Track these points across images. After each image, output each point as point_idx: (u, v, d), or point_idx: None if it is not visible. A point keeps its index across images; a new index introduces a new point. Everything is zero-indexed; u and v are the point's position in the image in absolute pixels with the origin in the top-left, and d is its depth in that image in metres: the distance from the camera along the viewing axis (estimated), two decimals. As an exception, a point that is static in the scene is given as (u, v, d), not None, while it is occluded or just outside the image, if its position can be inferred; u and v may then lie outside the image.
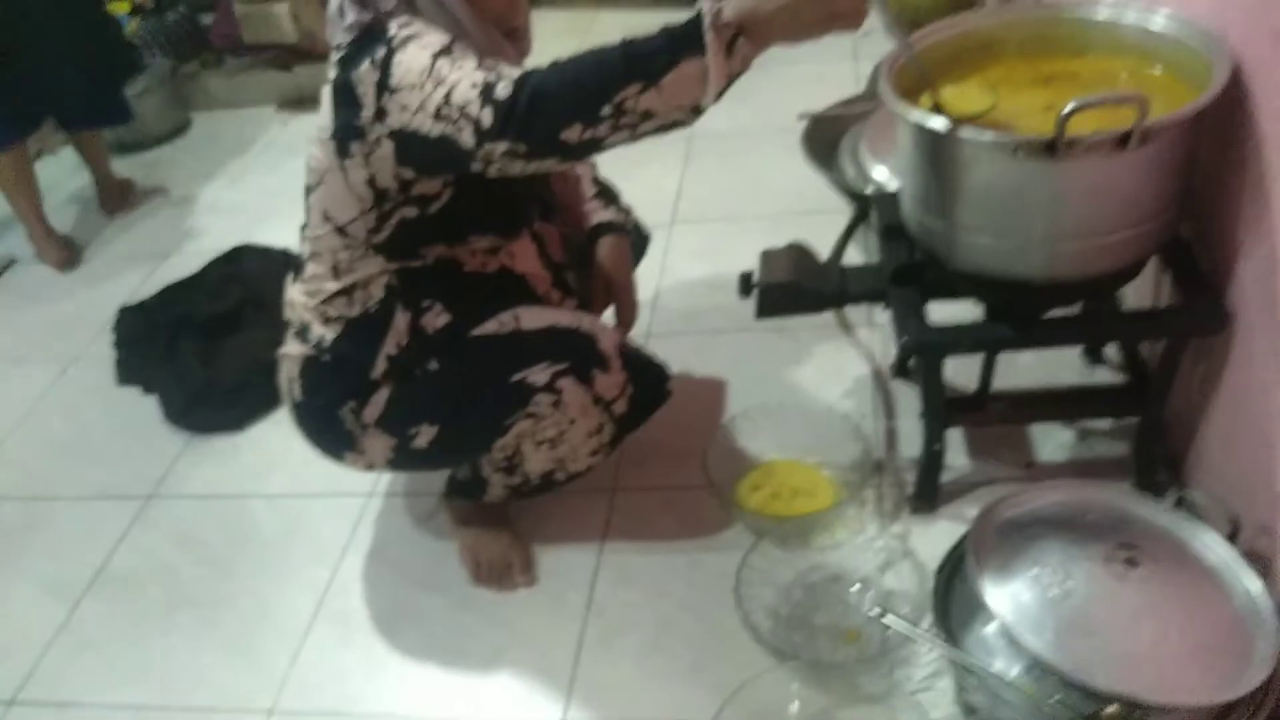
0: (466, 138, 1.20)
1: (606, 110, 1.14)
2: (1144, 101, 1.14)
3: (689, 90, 1.13)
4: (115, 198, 3.11)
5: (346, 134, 1.34)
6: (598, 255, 1.70)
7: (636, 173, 1.91)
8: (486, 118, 1.17)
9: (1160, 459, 1.58)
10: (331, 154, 1.38)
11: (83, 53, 2.76)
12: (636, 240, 1.82)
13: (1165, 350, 1.44)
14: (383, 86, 1.26)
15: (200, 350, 2.22)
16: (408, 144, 1.28)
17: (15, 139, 2.70)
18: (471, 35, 1.35)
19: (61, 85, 2.75)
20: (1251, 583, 1.18)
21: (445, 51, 1.24)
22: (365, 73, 1.28)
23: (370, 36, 1.30)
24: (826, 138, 2.26)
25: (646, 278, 1.96)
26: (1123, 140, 1.17)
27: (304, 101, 3.50)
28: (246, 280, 2.38)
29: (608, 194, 1.78)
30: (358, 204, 1.40)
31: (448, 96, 1.20)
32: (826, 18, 1.14)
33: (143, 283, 2.69)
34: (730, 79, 1.15)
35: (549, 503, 1.73)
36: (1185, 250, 1.42)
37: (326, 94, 1.38)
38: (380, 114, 1.28)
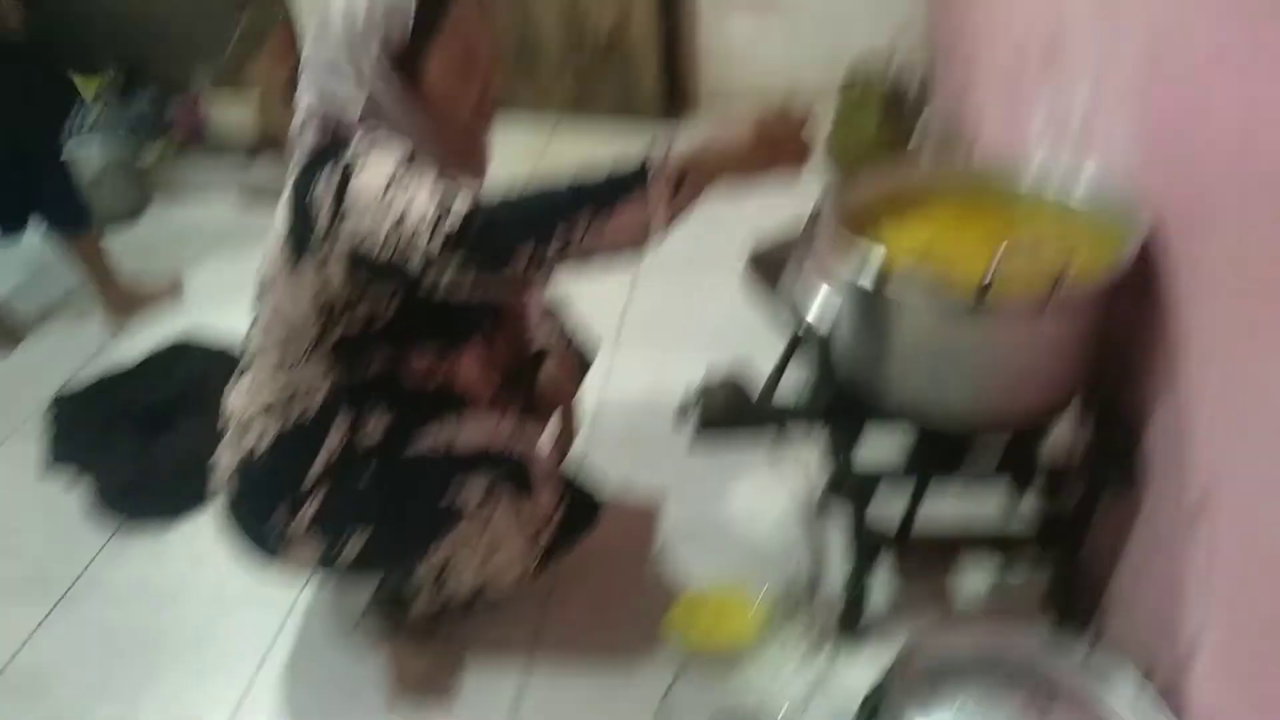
0: (415, 265, 1.23)
1: (553, 246, 1.18)
2: (1065, 265, 1.21)
3: (632, 232, 1.19)
4: (121, 306, 2.86)
5: (299, 247, 1.36)
6: (541, 375, 1.72)
7: (584, 290, 1.95)
8: (435, 248, 1.21)
9: (1078, 599, 1.62)
10: (283, 262, 1.40)
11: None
12: (581, 359, 1.85)
13: (1079, 502, 1.49)
14: (336, 211, 1.28)
15: (134, 444, 2.19)
16: (357, 265, 1.31)
17: None
18: (434, 148, 1.38)
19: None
20: (1161, 733, 1.20)
21: (401, 173, 1.27)
22: (321, 194, 1.30)
23: (330, 151, 1.33)
24: (768, 269, 2.33)
25: (589, 392, 1.99)
26: (1044, 301, 1.23)
27: (263, 194, 3.51)
28: (186, 376, 2.35)
29: (556, 312, 1.81)
30: (304, 312, 1.41)
31: (398, 225, 1.23)
32: (771, 166, 1.21)
33: (79, 368, 2.64)
34: (672, 223, 1.20)
35: (474, 618, 1.71)
36: (1103, 402, 1.48)
37: (284, 201, 1.40)
38: (332, 236, 1.30)
